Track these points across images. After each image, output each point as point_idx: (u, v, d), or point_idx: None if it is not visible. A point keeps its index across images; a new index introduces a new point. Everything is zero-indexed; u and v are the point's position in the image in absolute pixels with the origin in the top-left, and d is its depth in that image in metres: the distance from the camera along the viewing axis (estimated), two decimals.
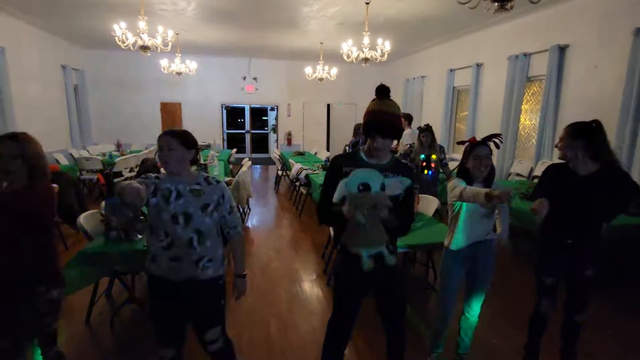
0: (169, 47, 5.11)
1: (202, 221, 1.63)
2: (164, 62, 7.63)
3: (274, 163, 9.95)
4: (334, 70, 7.94)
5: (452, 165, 5.09)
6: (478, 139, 2.05)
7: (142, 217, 2.58)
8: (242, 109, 13.19)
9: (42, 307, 1.60)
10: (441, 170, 4.50)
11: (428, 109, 8.51)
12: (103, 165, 6.55)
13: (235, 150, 8.81)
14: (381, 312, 1.86)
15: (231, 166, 7.47)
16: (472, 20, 6.23)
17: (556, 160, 2.09)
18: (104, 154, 7.38)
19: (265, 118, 13.79)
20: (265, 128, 13.61)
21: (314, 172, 5.57)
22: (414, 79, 9.05)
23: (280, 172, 7.72)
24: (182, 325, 1.75)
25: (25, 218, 1.51)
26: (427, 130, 4.30)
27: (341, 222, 1.55)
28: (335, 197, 1.50)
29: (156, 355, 1.76)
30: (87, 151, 7.83)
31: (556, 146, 2.00)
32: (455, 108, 7.88)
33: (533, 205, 1.83)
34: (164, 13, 6.00)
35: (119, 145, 8.18)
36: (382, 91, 1.64)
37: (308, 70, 8.08)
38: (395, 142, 1.69)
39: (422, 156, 4.19)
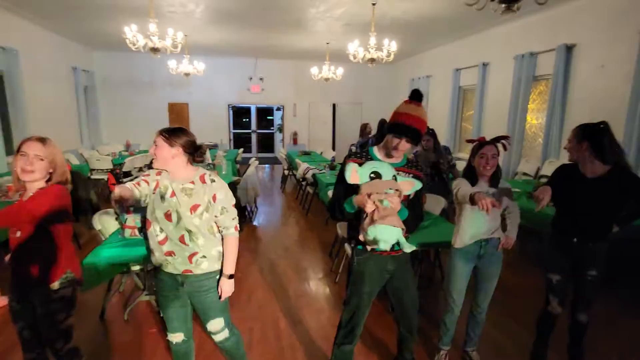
0: (179, 49, 5.18)
1: (190, 221, 1.64)
2: (172, 63, 7.72)
3: (279, 162, 10.01)
4: (340, 70, 7.98)
5: (460, 164, 5.10)
6: (486, 139, 2.09)
7: None
8: (248, 109, 13.29)
9: (54, 304, 1.65)
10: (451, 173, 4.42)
11: (434, 108, 8.52)
12: (113, 165, 6.66)
13: (242, 149, 8.88)
14: (394, 308, 1.91)
15: (238, 166, 7.55)
16: (478, 20, 6.24)
17: (562, 160, 2.11)
18: (113, 154, 7.50)
19: (270, 118, 13.86)
20: (271, 128, 13.68)
21: (321, 171, 5.62)
22: (419, 78, 9.06)
23: (286, 172, 7.78)
24: (185, 312, 1.82)
25: (40, 217, 1.55)
26: (428, 134, 4.09)
27: (353, 215, 1.60)
28: (347, 178, 1.56)
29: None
30: (97, 151, 7.95)
31: (565, 148, 2.02)
32: (461, 107, 7.88)
33: (536, 192, 1.85)
34: (172, 15, 6.09)
35: (127, 145, 8.30)
36: (417, 96, 1.68)
37: (314, 70, 8.13)
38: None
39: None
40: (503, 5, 2.81)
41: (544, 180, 5.03)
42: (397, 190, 1.54)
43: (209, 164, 5.45)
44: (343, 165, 1.77)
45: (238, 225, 1.79)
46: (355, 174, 1.58)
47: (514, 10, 2.82)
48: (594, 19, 4.69)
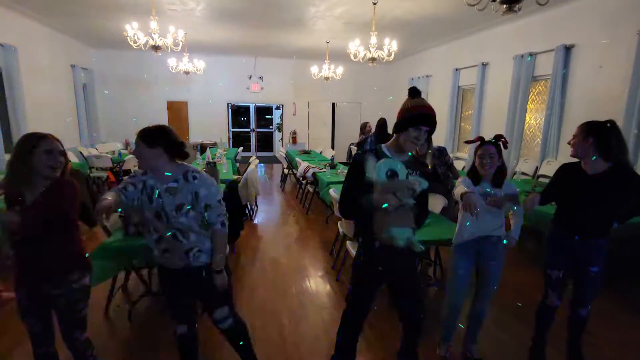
0: (180, 47, 5.19)
1: (177, 220, 1.65)
2: (172, 61, 7.72)
3: (278, 161, 10.03)
4: (340, 70, 8.00)
5: (458, 164, 5.13)
6: (485, 139, 2.12)
7: None
8: (247, 108, 13.29)
9: (76, 294, 1.70)
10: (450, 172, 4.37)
11: (433, 108, 8.52)
12: (112, 163, 6.65)
13: (241, 148, 8.89)
14: (397, 305, 1.94)
15: (238, 164, 7.56)
16: (477, 20, 6.27)
17: (561, 160, 2.15)
18: (113, 152, 7.49)
19: (268, 117, 13.87)
20: (270, 127, 13.69)
21: (321, 170, 5.64)
22: (419, 78, 9.09)
23: (286, 171, 7.80)
24: (189, 304, 1.86)
25: (61, 208, 1.60)
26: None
27: (364, 212, 1.63)
28: (368, 173, 1.61)
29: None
30: (96, 149, 7.94)
31: (569, 143, 2.04)
32: (461, 107, 7.93)
33: (525, 199, 2.00)
34: (173, 13, 6.09)
35: (127, 144, 8.29)
36: (416, 92, 1.75)
37: (314, 69, 8.14)
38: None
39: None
40: (504, 6, 2.83)
41: (542, 180, 5.07)
42: (411, 189, 1.60)
43: (210, 162, 5.46)
44: (354, 162, 1.76)
45: (226, 221, 1.78)
46: (373, 169, 1.62)
47: (515, 11, 2.84)
48: (593, 20, 4.74)
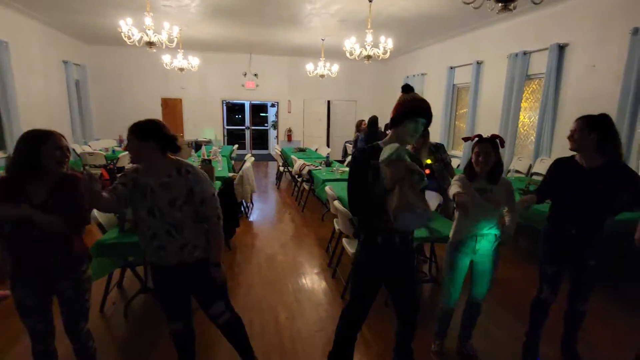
0: (174, 44, 5.15)
1: (171, 215, 1.65)
2: (166, 58, 7.66)
3: (273, 159, 10.01)
4: (335, 67, 7.99)
5: (453, 162, 5.16)
6: (482, 136, 2.14)
7: None
8: (242, 105, 13.24)
9: (83, 284, 1.75)
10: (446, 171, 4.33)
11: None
12: (106, 160, 6.59)
13: (236, 146, 8.86)
14: (395, 300, 1.95)
15: (233, 162, 7.53)
16: (473, 19, 6.30)
17: (554, 157, 2.17)
18: (106, 149, 7.42)
19: (263, 114, 13.83)
20: (265, 124, 13.66)
21: (317, 167, 5.65)
22: (414, 76, 9.12)
23: (281, 168, 7.79)
24: (184, 300, 1.86)
25: (80, 203, 1.63)
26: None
27: (375, 206, 1.65)
28: (382, 157, 1.58)
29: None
30: (89, 146, 7.86)
31: (569, 138, 2.03)
32: (455, 106, 7.97)
33: (522, 198, 2.08)
34: (167, 9, 6.03)
35: (120, 141, 8.22)
36: (409, 89, 1.76)
37: (309, 66, 8.13)
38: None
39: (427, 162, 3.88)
40: (500, 4, 2.85)
41: (536, 177, 5.13)
42: (417, 173, 1.62)
43: (205, 160, 5.43)
44: (357, 161, 1.74)
45: (220, 214, 1.79)
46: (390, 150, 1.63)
47: (510, 9, 2.87)
48: (586, 19, 4.79)
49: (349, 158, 7.03)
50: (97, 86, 9.51)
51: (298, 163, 6.00)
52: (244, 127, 13.28)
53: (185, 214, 1.68)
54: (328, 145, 10.97)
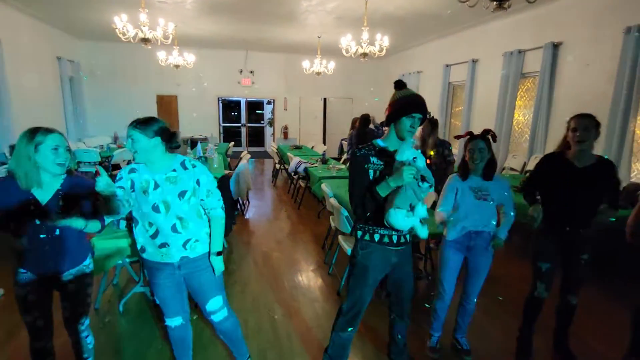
0: (170, 40, 5.11)
1: (180, 208, 1.68)
2: (161, 54, 7.60)
3: (269, 156, 10.00)
4: (332, 65, 7.98)
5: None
6: (473, 133, 2.17)
7: None
8: (238, 103, 13.18)
9: (86, 279, 1.77)
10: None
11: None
12: (101, 158, 6.55)
13: (232, 143, 8.84)
14: (390, 297, 1.97)
15: (229, 159, 7.51)
16: (468, 17, 6.32)
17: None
18: (101, 146, 7.37)
19: (259, 112, 13.77)
20: (260, 122, 13.61)
21: (313, 165, 5.66)
22: (409, 74, 9.14)
23: (278, 166, 7.78)
24: (182, 297, 1.87)
25: (92, 199, 1.66)
26: (427, 121, 3.82)
27: (378, 202, 1.67)
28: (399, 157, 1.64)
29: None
30: (84, 143, 7.80)
31: (579, 141, 2.01)
32: (451, 104, 8.01)
33: (530, 212, 2.08)
34: (162, 5, 5.99)
35: (115, 138, 8.16)
36: (402, 84, 1.79)
37: (305, 64, 8.11)
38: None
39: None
40: (494, 3, 2.88)
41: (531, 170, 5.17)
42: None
43: (201, 157, 5.42)
44: (357, 160, 1.75)
45: (223, 205, 1.84)
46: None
47: (505, 8, 2.89)
48: (580, 18, 4.82)
49: (344, 156, 7.04)
50: (92, 83, 9.42)
51: (294, 161, 6.00)
52: (240, 125, 13.23)
53: (192, 207, 1.72)
54: (324, 143, 10.97)
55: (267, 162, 10.63)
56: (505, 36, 6.12)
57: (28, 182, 1.54)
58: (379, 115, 6.46)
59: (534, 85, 5.75)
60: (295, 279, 3.42)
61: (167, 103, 10.32)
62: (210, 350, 2.35)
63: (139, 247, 1.76)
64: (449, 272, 2.24)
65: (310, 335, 2.55)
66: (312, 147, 8.54)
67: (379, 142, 1.78)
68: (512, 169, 5.88)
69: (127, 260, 2.80)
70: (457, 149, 7.34)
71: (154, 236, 1.69)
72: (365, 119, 5.90)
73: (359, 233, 1.84)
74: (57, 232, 1.61)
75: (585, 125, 1.99)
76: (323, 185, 3.67)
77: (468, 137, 2.15)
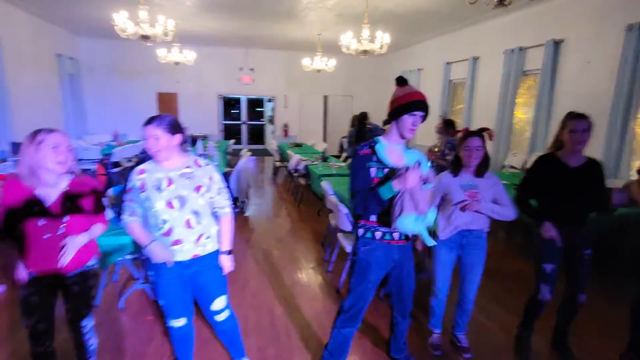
0: (170, 37, 5.10)
1: (196, 202, 1.71)
2: (161, 51, 7.58)
3: (269, 154, 9.99)
4: (332, 62, 7.96)
5: None
6: (469, 130, 2.16)
7: None
8: (237, 100, 13.15)
9: (90, 280, 1.77)
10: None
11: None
12: (102, 155, 6.55)
13: (233, 141, 8.84)
14: (392, 294, 1.98)
15: (229, 157, 7.51)
16: (469, 14, 6.30)
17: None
18: (101, 144, 7.36)
19: (259, 109, 13.74)
20: (261, 119, 13.59)
21: (313, 163, 5.65)
22: (410, 71, 9.11)
23: (278, 164, 7.78)
24: (187, 297, 1.86)
25: (100, 199, 1.71)
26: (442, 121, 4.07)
27: (380, 201, 1.67)
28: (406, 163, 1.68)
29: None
30: (84, 141, 7.79)
31: (581, 142, 2.02)
32: (452, 101, 7.99)
33: (544, 233, 2.07)
34: (162, 2, 5.97)
35: (115, 135, 8.15)
36: (403, 81, 1.79)
37: (306, 61, 8.09)
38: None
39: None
40: (495, 0, 2.87)
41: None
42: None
43: (202, 154, 5.42)
44: (359, 159, 1.75)
45: (231, 204, 1.87)
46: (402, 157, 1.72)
47: (506, 5, 2.89)
48: (582, 15, 4.80)
49: (344, 153, 7.04)
50: (91, 80, 9.40)
51: (294, 158, 6.00)
52: (240, 122, 13.21)
53: (206, 202, 1.76)
54: (325, 141, 10.95)
55: (267, 160, 10.62)
56: (506, 33, 6.09)
57: (32, 182, 1.55)
58: (379, 113, 6.44)
59: (535, 82, 5.73)
60: (295, 276, 3.42)
61: (167, 101, 10.31)
62: (209, 348, 2.35)
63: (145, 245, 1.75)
64: (442, 270, 2.25)
65: (309, 332, 2.56)
66: (313, 145, 8.54)
67: (380, 141, 1.78)
68: (512, 166, 5.87)
69: (128, 256, 2.80)
70: None
71: (167, 233, 1.68)
72: (363, 116, 5.89)
73: (360, 230, 1.84)
74: (61, 232, 1.60)
75: (584, 127, 2.01)
76: (322, 183, 3.67)
77: (465, 134, 2.15)
